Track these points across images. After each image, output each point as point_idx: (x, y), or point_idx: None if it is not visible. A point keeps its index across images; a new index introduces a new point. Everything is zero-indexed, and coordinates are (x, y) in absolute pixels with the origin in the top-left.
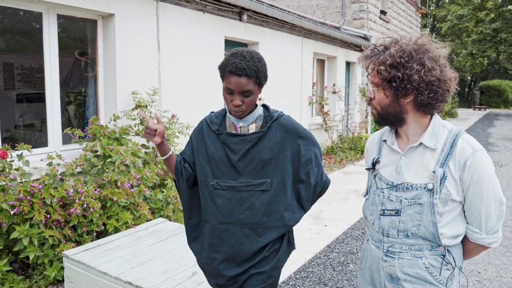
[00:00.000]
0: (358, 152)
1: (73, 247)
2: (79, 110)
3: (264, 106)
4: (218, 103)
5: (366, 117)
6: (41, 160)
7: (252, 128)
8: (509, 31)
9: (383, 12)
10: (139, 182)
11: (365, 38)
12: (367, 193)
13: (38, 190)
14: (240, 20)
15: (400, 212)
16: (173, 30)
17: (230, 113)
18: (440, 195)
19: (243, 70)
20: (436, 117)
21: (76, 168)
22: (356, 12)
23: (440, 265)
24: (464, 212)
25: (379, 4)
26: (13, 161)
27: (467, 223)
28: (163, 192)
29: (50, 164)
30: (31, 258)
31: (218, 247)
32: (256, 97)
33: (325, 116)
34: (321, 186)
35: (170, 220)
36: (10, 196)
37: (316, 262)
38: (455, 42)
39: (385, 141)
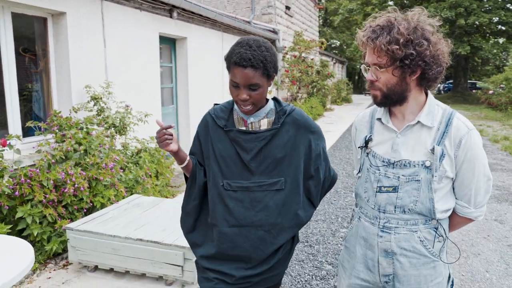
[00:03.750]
0: None
1: (68, 223)
2: (27, 105)
3: (275, 99)
4: (157, 94)
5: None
6: (33, 147)
7: (264, 124)
8: None
9: (287, 8)
10: (115, 164)
11: (274, 31)
12: (359, 171)
13: (36, 174)
14: (171, 17)
15: (398, 188)
16: (116, 27)
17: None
18: (438, 172)
19: (248, 60)
20: (431, 96)
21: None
22: (264, 7)
23: (433, 238)
24: (453, 188)
25: (284, 0)
26: (3, 150)
27: (456, 198)
28: (131, 172)
29: (38, 151)
30: (34, 234)
31: (229, 251)
32: (266, 91)
33: None
34: (329, 181)
35: None
36: (9, 181)
37: None
38: (346, 34)
39: (379, 119)
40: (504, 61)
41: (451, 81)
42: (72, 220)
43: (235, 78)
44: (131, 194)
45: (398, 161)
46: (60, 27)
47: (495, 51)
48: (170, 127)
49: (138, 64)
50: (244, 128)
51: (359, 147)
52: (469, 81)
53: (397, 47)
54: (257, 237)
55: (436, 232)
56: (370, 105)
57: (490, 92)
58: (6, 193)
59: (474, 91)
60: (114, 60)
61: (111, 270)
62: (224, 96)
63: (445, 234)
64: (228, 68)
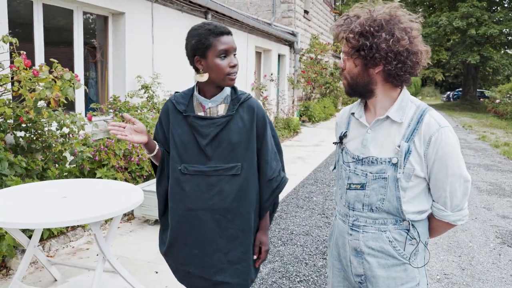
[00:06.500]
0: (291, 131)
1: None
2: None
3: (231, 86)
4: None
5: (293, 102)
6: (105, 121)
7: (221, 109)
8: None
9: (306, 12)
10: None
11: (293, 34)
12: (335, 167)
13: (111, 144)
14: (206, 18)
15: (365, 186)
16: (162, 26)
17: (223, 83)
18: (404, 169)
19: (227, 28)
20: (405, 92)
21: None
22: (285, 11)
23: (404, 240)
24: (429, 190)
25: (303, 4)
26: (86, 124)
27: (433, 200)
28: None
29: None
30: None
31: (187, 234)
32: None
33: (265, 100)
34: (278, 182)
35: None
36: (91, 148)
37: (291, 197)
38: None
39: (353, 114)
40: None
41: (460, 89)
42: (135, 184)
43: (223, 46)
44: None
45: (366, 158)
46: (119, 24)
47: (504, 61)
48: (119, 124)
49: (178, 59)
50: (202, 114)
51: (333, 143)
52: (478, 90)
53: (352, 36)
54: (213, 220)
55: (407, 234)
56: None
57: (497, 101)
58: (89, 157)
59: (482, 99)
60: (159, 54)
61: None
62: (246, 88)
63: (419, 237)
64: (208, 46)
